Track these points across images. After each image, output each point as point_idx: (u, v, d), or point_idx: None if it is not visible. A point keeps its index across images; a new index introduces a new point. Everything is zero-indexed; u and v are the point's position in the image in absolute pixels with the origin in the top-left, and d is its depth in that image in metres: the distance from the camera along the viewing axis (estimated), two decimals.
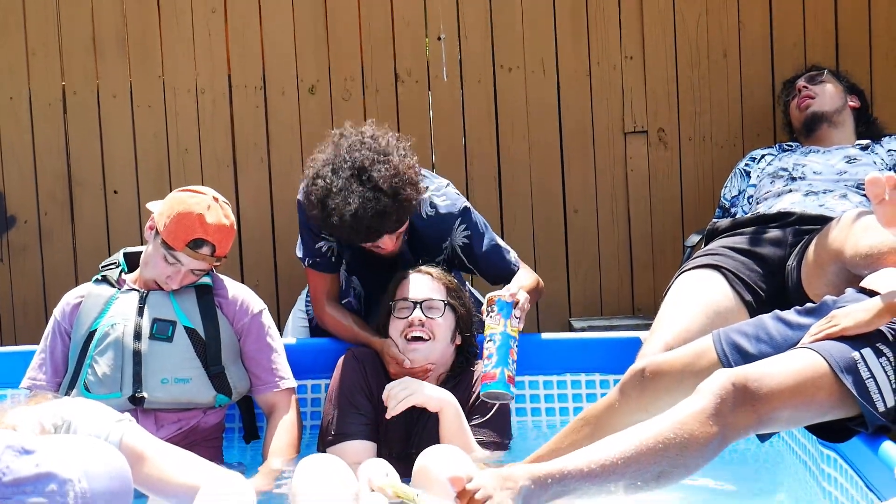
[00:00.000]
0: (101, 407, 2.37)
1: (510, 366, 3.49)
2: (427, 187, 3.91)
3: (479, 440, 3.55)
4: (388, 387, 3.53)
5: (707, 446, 2.50)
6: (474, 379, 3.68)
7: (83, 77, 5.21)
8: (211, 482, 2.32)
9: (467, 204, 4.00)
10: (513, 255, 4.05)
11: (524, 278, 3.93)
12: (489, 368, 3.48)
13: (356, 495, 3.06)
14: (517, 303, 3.60)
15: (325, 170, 3.73)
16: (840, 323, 2.80)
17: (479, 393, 3.59)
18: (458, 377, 3.70)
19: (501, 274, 3.99)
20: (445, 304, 3.66)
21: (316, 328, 4.30)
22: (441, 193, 3.96)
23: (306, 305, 4.39)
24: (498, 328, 3.54)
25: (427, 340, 3.62)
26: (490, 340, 3.53)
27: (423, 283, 3.69)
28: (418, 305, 3.65)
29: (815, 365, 2.69)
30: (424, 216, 3.90)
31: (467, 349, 3.74)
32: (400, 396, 3.49)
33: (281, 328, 4.58)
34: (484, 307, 3.64)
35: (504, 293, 3.60)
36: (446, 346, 3.67)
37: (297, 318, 4.48)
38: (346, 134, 3.82)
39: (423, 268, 3.75)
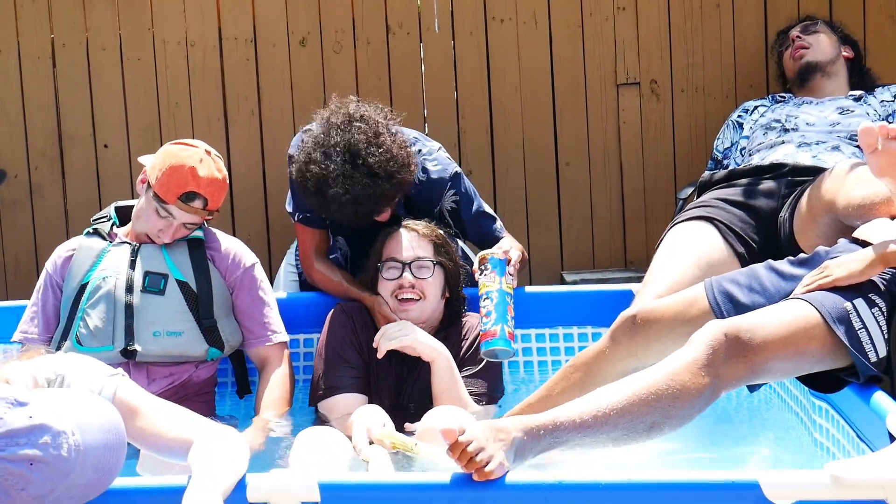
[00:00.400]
0: (95, 362, 2.37)
1: (509, 322, 3.48)
2: (420, 150, 3.89)
3: (471, 391, 3.56)
4: (384, 327, 3.55)
5: (699, 397, 2.51)
6: (464, 331, 3.68)
7: (72, 30, 5.17)
8: (204, 436, 2.32)
9: (458, 169, 4.00)
10: (499, 224, 4.06)
11: (511, 244, 3.93)
12: (489, 326, 3.45)
13: (355, 447, 3.06)
14: (510, 260, 3.60)
15: (316, 153, 3.69)
16: (832, 273, 2.81)
17: (468, 349, 3.60)
18: (446, 330, 3.69)
19: (486, 240, 3.99)
20: (435, 264, 3.63)
21: (305, 282, 4.29)
22: (433, 158, 3.95)
23: (296, 259, 4.38)
24: (494, 285, 3.52)
25: (418, 300, 3.61)
26: (487, 298, 3.51)
27: (412, 242, 3.65)
28: (407, 266, 3.61)
29: (807, 316, 2.70)
30: (416, 181, 3.88)
31: (455, 302, 3.73)
32: (394, 336, 3.50)
33: (272, 282, 4.57)
34: (476, 265, 3.62)
35: (496, 251, 3.60)
36: (437, 303, 3.66)
37: (288, 273, 4.47)
38: (333, 111, 3.79)
39: (409, 223, 3.71)
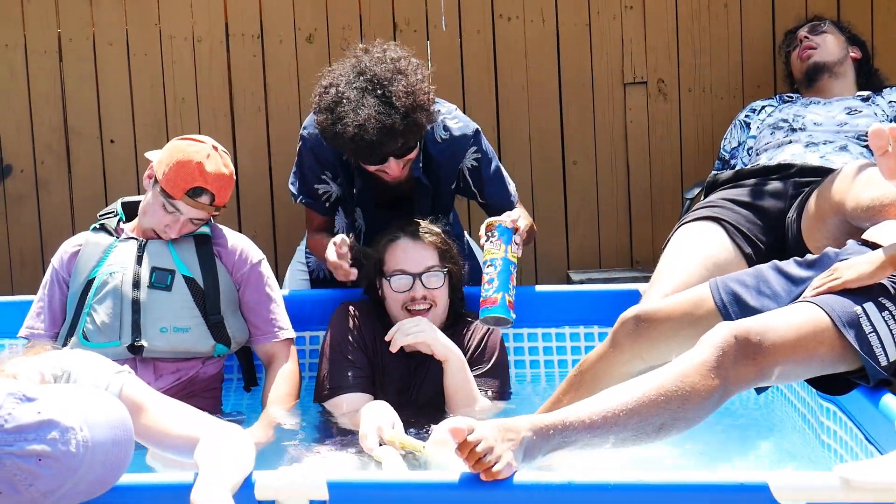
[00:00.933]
0: (101, 358, 2.36)
1: (510, 291, 3.45)
2: (439, 110, 3.88)
3: (481, 390, 3.55)
4: (399, 322, 3.52)
5: (708, 399, 2.50)
6: (470, 331, 3.66)
7: (79, 24, 5.17)
8: (210, 433, 2.32)
9: (478, 127, 3.99)
10: (513, 188, 4.06)
11: (521, 214, 3.92)
12: (490, 293, 3.41)
13: (365, 446, 3.05)
14: (517, 229, 3.55)
15: (340, 79, 3.68)
16: (842, 276, 2.80)
17: (476, 348, 3.59)
18: (452, 328, 3.67)
19: (501, 202, 3.97)
20: (444, 274, 3.59)
21: (316, 280, 4.28)
22: (453, 116, 3.95)
23: (306, 257, 4.36)
24: (499, 253, 3.47)
25: (430, 308, 3.58)
26: (490, 265, 3.46)
27: (419, 252, 3.59)
28: (418, 278, 3.57)
29: (817, 319, 2.69)
30: (438, 140, 3.88)
31: (458, 302, 3.71)
32: (410, 331, 3.48)
33: (279, 278, 4.56)
34: (482, 231, 3.56)
35: (505, 219, 3.53)
36: (446, 307, 3.65)
37: (297, 271, 4.46)
38: (370, 49, 3.78)
39: (409, 229, 3.64)
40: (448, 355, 3.49)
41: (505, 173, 4.06)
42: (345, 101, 3.61)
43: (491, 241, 3.51)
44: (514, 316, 3.43)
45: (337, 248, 3.65)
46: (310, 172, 3.98)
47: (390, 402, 3.45)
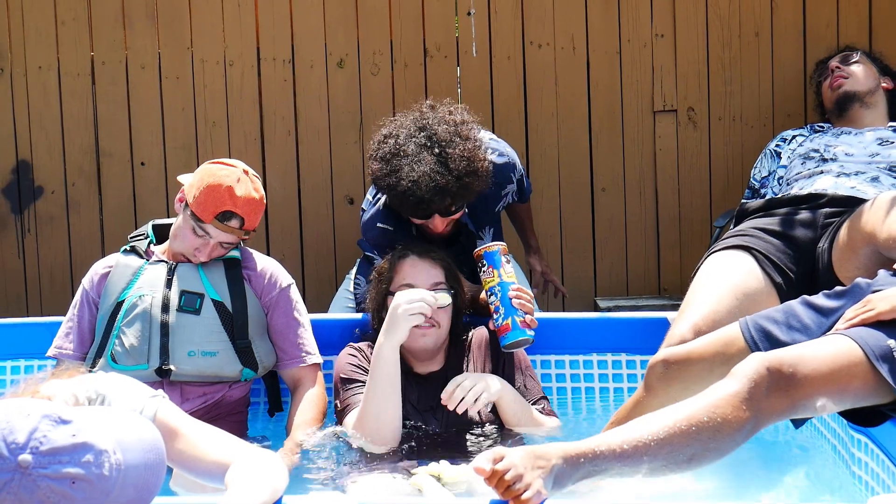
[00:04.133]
0: (135, 382, 2.37)
1: (518, 311, 3.55)
2: (493, 179, 3.90)
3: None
4: (454, 380, 3.45)
5: (740, 431, 2.48)
6: (479, 346, 3.65)
7: (112, 48, 5.21)
8: (243, 459, 2.31)
9: (514, 151, 4.14)
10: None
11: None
12: (501, 322, 3.55)
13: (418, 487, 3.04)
14: (503, 251, 3.63)
15: (401, 131, 3.74)
16: (876, 307, 2.78)
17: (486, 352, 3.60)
18: (458, 343, 3.68)
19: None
20: (451, 294, 3.58)
21: (362, 311, 4.28)
22: (492, 148, 3.99)
23: (355, 287, 4.35)
24: (494, 280, 3.60)
25: (433, 328, 3.56)
26: (491, 294, 3.59)
27: (427, 269, 3.59)
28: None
29: (850, 352, 2.66)
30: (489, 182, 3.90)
31: (459, 322, 3.68)
32: (476, 390, 3.39)
33: (308, 303, 4.56)
34: (477, 266, 3.67)
35: (490, 245, 3.63)
36: (449, 327, 3.63)
37: (343, 299, 4.45)
38: (436, 106, 3.83)
39: (418, 250, 3.64)
40: (502, 392, 3.48)
41: (529, 182, 4.23)
42: (402, 154, 3.67)
43: (483, 272, 3.63)
44: (531, 333, 3.56)
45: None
46: (381, 236, 4.01)
47: (412, 422, 3.45)
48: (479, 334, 3.71)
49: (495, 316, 3.57)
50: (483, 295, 3.70)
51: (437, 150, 3.66)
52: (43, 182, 5.26)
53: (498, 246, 3.64)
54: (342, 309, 4.43)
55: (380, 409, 3.35)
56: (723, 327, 3.16)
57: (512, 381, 3.60)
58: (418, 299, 3.36)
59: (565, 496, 2.43)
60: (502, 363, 3.64)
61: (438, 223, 3.75)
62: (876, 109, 4.65)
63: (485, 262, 3.62)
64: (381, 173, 3.71)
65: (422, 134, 3.70)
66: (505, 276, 3.58)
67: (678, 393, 2.98)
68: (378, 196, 3.96)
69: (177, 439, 2.31)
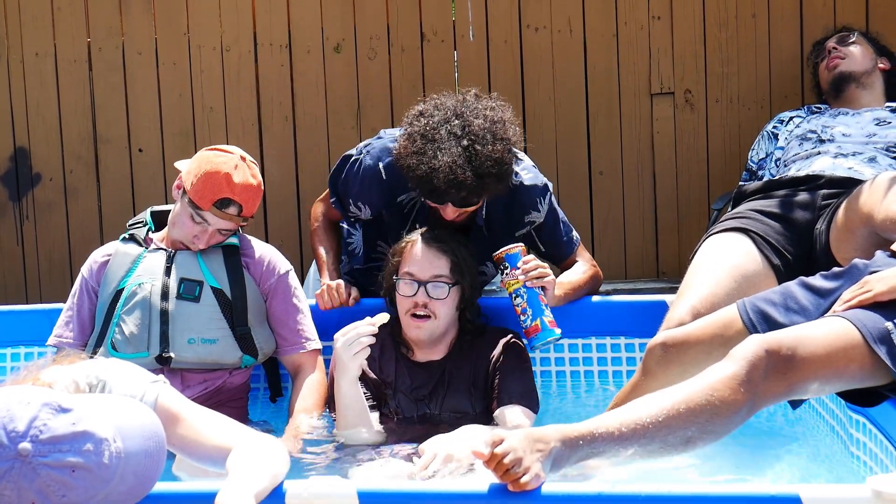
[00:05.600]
0: (136, 368, 2.37)
1: (545, 310, 3.57)
2: (513, 182, 3.82)
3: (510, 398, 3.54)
4: (423, 460, 3.05)
5: (737, 413, 2.49)
6: (491, 345, 3.63)
7: (108, 34, 5.21)
8: (244, 443, 2.32)
9: (548, 182, 3.95)
10: (575, 237, 4.03)
11: (582, 260, 3.99)
12: (529, 323, 3.55)
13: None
14: (524, 250, 3.62)
15: (436, 112, 3.66)
16: (873, 288, 2.78)
17: (498, 358, 3.58)
18: (472, 340, 3.65)
19: (560, 253, 4.01)
20: (450, 286, 3.56)
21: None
22: (525, 168, 3.88)
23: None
24: (518, 283, 3.57)
25: (430, 319, 3.55)
26: (517, 296, 3.57)
27: (430, 260, 3.56)
28: (423, 286, 3.54)
29: (847, 334, 2.67)
30: (511, 185, 3.80)
31: (470, 314, 3.66)
32: (450, 464, 3.06)
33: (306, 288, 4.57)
34: (499, 270, 3.65)
35: (510, 247, 3.60)
36: (449, 320, 3.61)
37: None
38: (481, 96, 3.74)
39: (428, 235, 3.62)
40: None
41: (566, 223, 4.01)
42: (431, 137, 3.59)
43: (506, 274, 3.60)
44: (559, 330, 3.59)
45: (332, 290, 3.86)
46: (352, 190, 3.93)
47: (405, 410, 3.45)
48: (493, 337, 3.67)
49: (522, 318, 3.55)
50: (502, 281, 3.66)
51: (465, 143, 3.57)
52: (41, 169, 5.26)
53: (519, 247, 3.61)
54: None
55: (353, 433, 3.36)
56: (720, 310, 3.16)
57: (507, 371, 3.60)
58: (352, 333, 3.26)
59: (563, 478, 2.44)
60: (501, 368, 3.62)
61: (450, 212, 3.69)
62: (873, 90, 4.65)
63: (507, 264, 3.59)
64: (405, 151, 3.64)
65: (456, 122, 3.61)
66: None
67: (676, 376, 2.98)
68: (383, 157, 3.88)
69: (178, 424, 2.31)
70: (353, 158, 3.94)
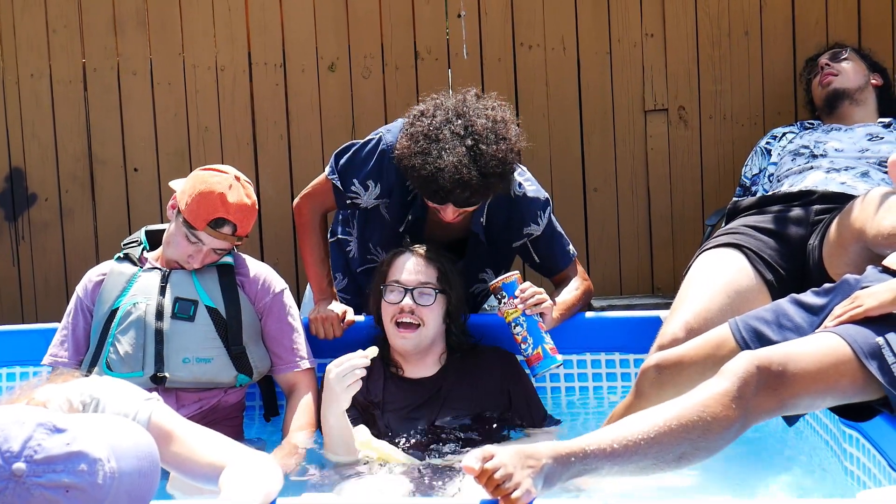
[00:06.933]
0: (130, 386, 2.38)
1: (546, 338, 3.58)
2: (516, 181, 3.85)
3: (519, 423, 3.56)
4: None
5: (729, 429, 2.50)
6: (490, 365, 3.64)
7: (103, 54, 5.22)
8: (237, 461, 2.33)
9: (548, 196, 3.97)
10: (571, 250, 4.03)
11: (571, 290, 3.96)
12: (531, 352, 3.56)
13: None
14: (520, 278, 3.63)
15: (438, 113, 3.66)
16: (864, 303, 2.79)
17: (501, 380, 3.59)
18: (464, 358, 3.67)
19: (556, 265, 4.01)
20: (437, 292, 3.59)
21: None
22: (528, 179, 3.91)
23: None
24: (517, 311, 3.58)
25: (417, 327, 3.58)
26: (517, 325, 3.57)
27: (417, 266, 3.61)
28: (409, 292, 3.58)
29: (838, 350, 2.67)
30: (512, 195, 3.84)
31: (456, 328, 3.68)
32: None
33: (299, 304, 4.58)
34: (496, 299, 3.64)
35: (507, 276, 3.61)
36: (437, 330, 3.63)
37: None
38: (482, 97, 3.76)
39: (416, 247, 3.66)
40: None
41: (563, 236, 4.02)
42: (433, 137, 3.59)
43: (504, 303, 3.60)
44: (560, 357, 3.61)
45: (326, 322, 3.87)
46: (361, 168, 3.89)
47: (395, 428, 3.45)
48: (490, 356, 3.69)
49: (524, 346, 3.57)
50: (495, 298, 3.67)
51: (469, 143, 3.58)
52: (36, 189, 5.27)
53: (514, 276, 3.62)
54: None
55: (342, 459, 3.36)
56: (713, 329, 3.16)
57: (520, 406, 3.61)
58: (347, 365, 3.25)
59: (554, 495, 2.44)
60: (509, 391, 3.63)
61: (450, 212, 3.69)
62: (865, 106, 4.67)
63: (504, 293, 3.59)
64: (408, 151, 3.63)
65: (459, 122, 3.62)
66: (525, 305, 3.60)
67: (670, 397, 2.97)
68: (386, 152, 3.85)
69: (171, 442, 2.32)
70: (367, 139, 3.91)
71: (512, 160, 3.67)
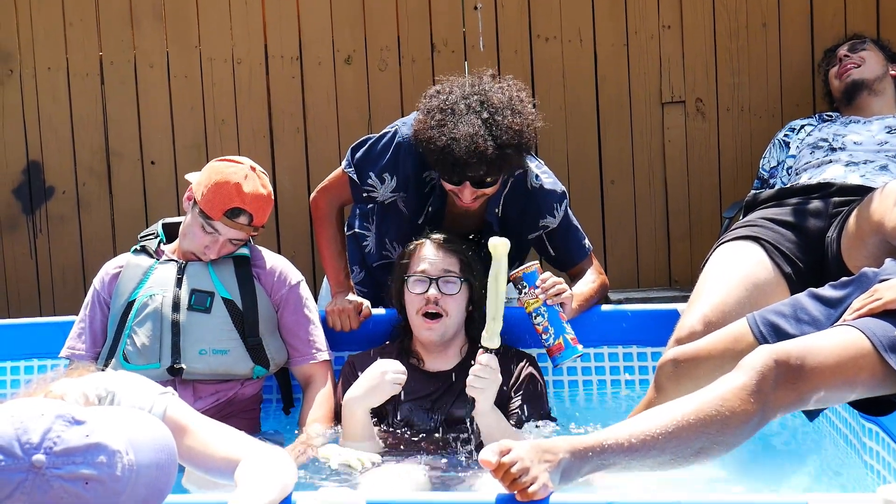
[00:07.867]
0: (145, 380, 2.38)
1: (566, 328, 3.56)
2: (533, 166, 3.86)
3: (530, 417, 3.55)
4: (474, 370, 3.30)
5: (748, 424, 2.48)
6: (516, 363, 3.64)
7: (120, 47, 5.23)
8: (252, 455, 2.33)
9: (565, 190, 3.96)
10: (587, 243, 4.03)
11: (593, 268, 3.96)
12: (552, 342, 3.54)
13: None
14: (540, 269, 3.61)
15: (454, 89, 3.68)
16: (883, 296, 2.78)
17: (517, 378, 3.58)
18: (475, 346, 3.65)
19: (571, 259, 4.00)
20: (461, 280, 3.59)
21: None
22: (545, 172, 3.91)
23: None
24: (538, 301, 3.56)
25: (441, 317, 3.57)
26: (538, 315, 3.55)
27: (440, 256, 3.61)
28: (434, 282, 3.58)
29: (858, 344, 2.66)
30: (529, 187, 3.85)
31: (477, 317, 3.65)
32: (476, 382, 3.32)
33: (316, 298, 4.58)
34: (514, 289, 3.63)
35: (526, 266, 3.60)
36: (460, 320, 3.63)
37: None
38: (497, 76, 3.77)
39: (437, 237, 3.66)
40: (485, 410, 3.37)
41: (579, 230, 4.02)
42: (450, 110, 3.61)
43: (525, 293, 3.58)
44: (581, 347, 3.58)
45: (343, 314, 3.86)
46: (377, 161, 3.88)
47: (410, 420, 3.45)
48: (510, 358, 3.66)
49: (545, 336, 3.55)
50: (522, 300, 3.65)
51: (485, 115, 3.58)
52: (54, 182, 5.28)
53: (535, 265, 3.61)
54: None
55: (361, 447, 3.36)
56: (731, 324, 3.15)
57: (521, 391, 3.60)
58: (401, 371, 3.35)
59: (572, 489, 2.44)
60: (516, 384, 3.63)
61: (468, 194, 3.68)
62: (884, 97, 4.65)
63: (524, 283, 3.58)
64: (424, 125, 3.64)
65: (475, 97, 3.63)
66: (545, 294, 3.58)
67: (688, 392, 2.96)
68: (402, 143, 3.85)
69: (186, 436, 2.32)
70: (383, 132, 3.91)
71: (528, 134, 3.67)
